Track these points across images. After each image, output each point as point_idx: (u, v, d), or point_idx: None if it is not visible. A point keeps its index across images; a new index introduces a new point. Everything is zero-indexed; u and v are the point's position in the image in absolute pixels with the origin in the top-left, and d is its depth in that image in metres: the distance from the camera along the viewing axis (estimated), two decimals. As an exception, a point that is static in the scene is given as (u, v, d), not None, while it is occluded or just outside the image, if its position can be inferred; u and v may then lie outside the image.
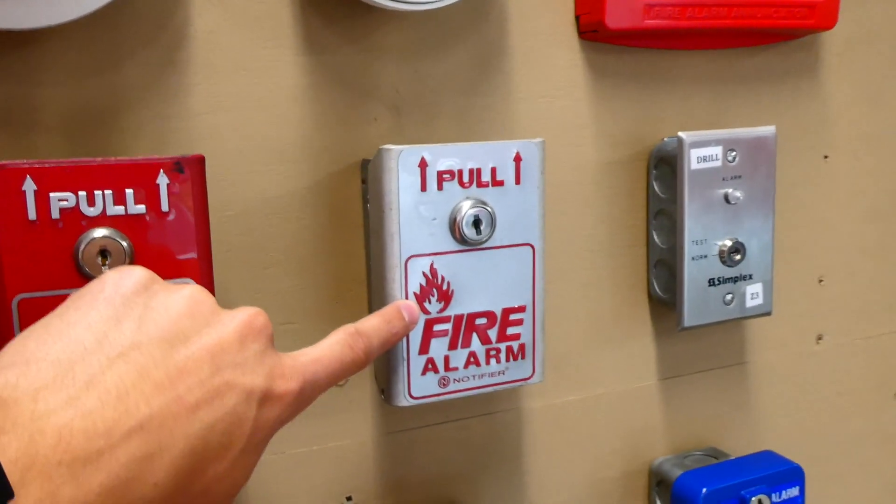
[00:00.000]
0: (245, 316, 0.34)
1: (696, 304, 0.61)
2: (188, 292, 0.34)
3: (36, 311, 0.39)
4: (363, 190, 0.55)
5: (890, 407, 0.78)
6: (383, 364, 0.50)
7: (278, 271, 0.54)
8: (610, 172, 0.63)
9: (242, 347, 0.33)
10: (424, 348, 0.49)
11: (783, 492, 0.63)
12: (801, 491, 0.63)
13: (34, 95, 0.47)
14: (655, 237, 0.64)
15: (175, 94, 0.50)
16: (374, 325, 0.42)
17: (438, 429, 0.60)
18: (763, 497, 0.61)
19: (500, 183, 0.49)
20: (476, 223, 0.48)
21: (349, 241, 0.56)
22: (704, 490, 0.60)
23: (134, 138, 0.50)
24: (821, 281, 0.72)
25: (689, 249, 0.60)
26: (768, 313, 0.63)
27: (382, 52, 0.55)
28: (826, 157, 0.70)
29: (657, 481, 0.67)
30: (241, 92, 0.52)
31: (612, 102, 0.62)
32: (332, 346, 0.38)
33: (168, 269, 0.42)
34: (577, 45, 0.60)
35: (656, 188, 0.63)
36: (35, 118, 0.48)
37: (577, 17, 0.60)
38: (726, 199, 0.60)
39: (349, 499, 0.58)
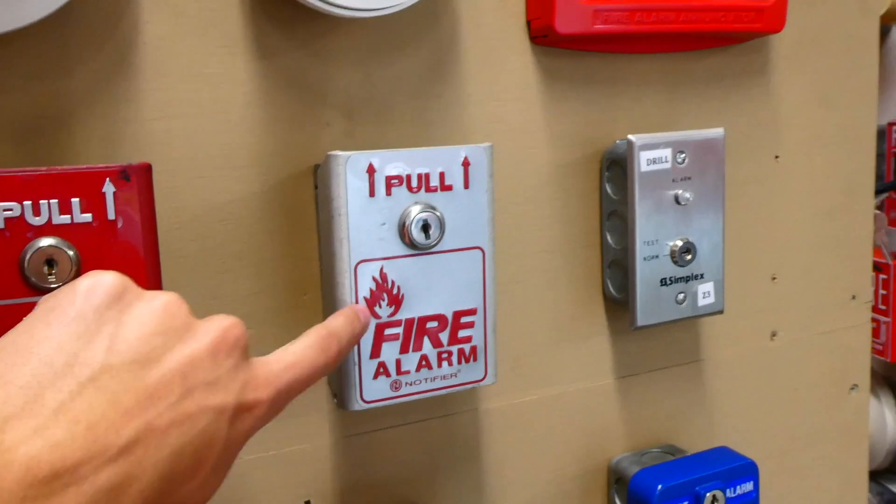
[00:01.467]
0: (219, 329, 0.34)
1: (649, 304, 0.62)
2: (161, 304, 0.33)
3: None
4: (316, 195, 0.55)
5: (846, 401, 0.79)
6: (335, 369, 0.50)
7: (233, 277, 0.54)
8: (563, 174, 0.64)
9: (215, 363, 0.33)
10: (376, 352, 0.49)
11: (737, 487, 0.64)
12: (756, 486, 0.65)
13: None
14: (609, 238, 0.65)
15: (126, 99, 0.51)
16: (341, 324, 0.42)
17: (397, 431, 0.61)
18: (717, 493, 0.62)
19: (449, 188, 0.50)
20: (425, 227, 0.49)
21: (303, 246, 0.56)
22: (660, 487, 0.62)
23: (84, 145, 0.50)
24: (774, 278, 0.73)
25: (640, 250, 0.61)
26: (720, 311, 0.65)
27: (334, 57, 0.56)
28: (777, 156, 0.72)
29: (616, 479, 0.68)
30: (192, 98, 0.52)
31: (564, 105, 0.63)
32: (306, 350, 0.38)
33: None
34: (529, 49, 0.61)
35: (609, 190, 0.64)
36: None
37: (529, 22, 0.61)
38: (676, 199, 0.61)
39: (307, 503, 0.59)
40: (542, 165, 0.63)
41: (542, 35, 0.60)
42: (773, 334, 0.74)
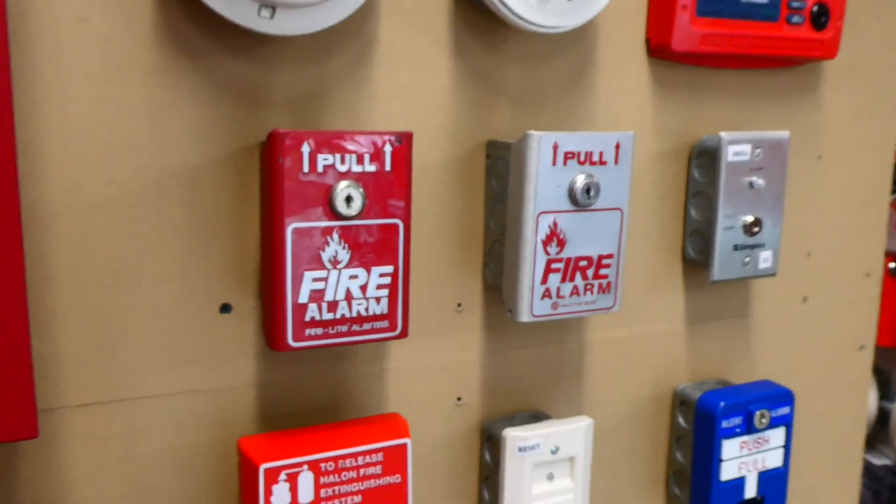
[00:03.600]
0: None
1: (724, 263, 0.81)
2: None
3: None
4: (487, 164, 0.74)
5: (855, 358, 1.00)
6: (512, 290, 0.69)
7: (426, 222, 0.73)
8: (661, 160, 0.83)
9: None
10: (544, 280, 0.69)
11: (779, 409, 0.84)
12: (791, 410, 0.85)
13: (269, 79, 0.65)
14: (692, 212, 0.84)
15: (365, 83, 0.69)
16: None
17: (525, 350, 0.80)
18: (765, 411, 0.83)
19: (605, 163, 0.69)
20: (587, 190, 0.68)
21: (473, 203, 0.75)
22: (722, 404, 0.82)
23: (334, 114, 0.68)
24: (809, 254, 0.94)
25: (721, 222, 0.80)
26: (774, 274, 0.85)
27: (508, 58, 0.74)
28: (820, 157, 0.92)
29: (679, 401, 0.88)
30: (409, 83, 0.70)
31: (666, 104, 0.82)
32: None
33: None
34: (646, 61, 0.80)
35: (696, 174, 0.84)
36: (269, 96, 0.65)
37: (648, 40, 0.80)
38: (751, 185, 0.81)
39: (459, 399, 0.77)
40: (647, 151, 0.82)
41: (658, 51, 0.79)
42: (805, 299, 0.95)
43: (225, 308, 0.65)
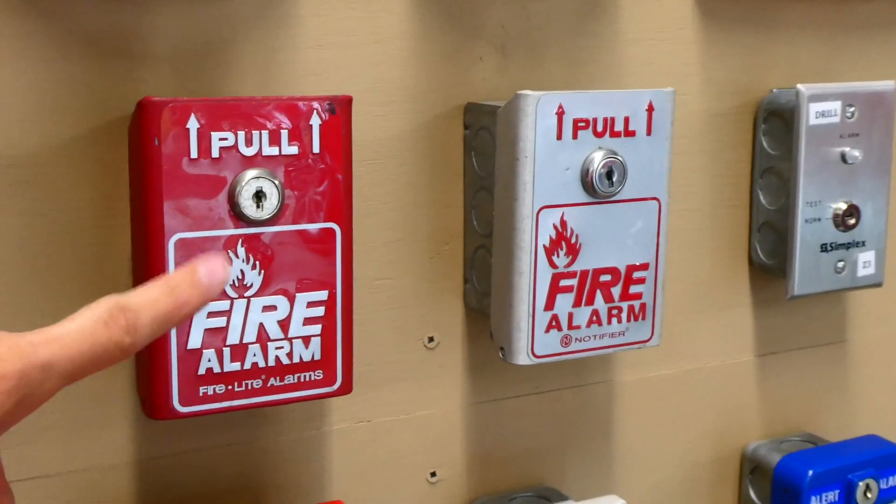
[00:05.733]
0: None
1: (807, 271, 0.78)
2: None
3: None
4: (466, 136, 0.71)
5: None
6: (503, 319, 0.66)
7: (376, 221, 0.69)
8: (714, 125, 0.80)
9: None
10: (550, 304, 0.65)
11: (891, 477, 0.81)
12: (909, 477, 0.82)
13: (144, 24, 0.62)
14: (761, 197, 0.81)
15: (282, 25, 0.65)
16: (148, 297, 0.43)
17: (528, 399, 0.77)
18: (870, 481, 0.80)
19: (632, 133, 0.65)
20: (609, 174, 0.65)
21: (448, 192, 0.72)
22: (811, 472, 0.78)
23: (239, 73, 0.64)
24: (929, 254, 0.90)
25: (802, 211, 0.77)
26: (879, 284, 0.82)
27: (491, -13, 0.71)
28: (943, 115, 0.89)
29: (751, 468, 0.84)
30: (349, 26, 0.67)
31: (719, 48, 0.79)
32: (81, 323, 0.40)
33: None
34: (690, -13, 0.77)
35: (765, 144, 0.80)
36: (144, 49, 0.62)
37: (692, -45, 0.76)
38: (843, 158, 0.78)
39: (433, 474, 0.74)
40: (694, 113, 0.79)
41: (707, -30, 0.76)
42: (927, 316, 0.92)
43: (88, 356, 0.62)
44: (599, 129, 0.65)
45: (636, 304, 0.68)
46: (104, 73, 0.61)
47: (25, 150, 0.60)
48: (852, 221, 0.79)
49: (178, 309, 0.43)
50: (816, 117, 0.77)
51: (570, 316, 0.66)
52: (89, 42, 0.61)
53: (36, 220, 0.61)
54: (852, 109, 0.78)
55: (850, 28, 0.84)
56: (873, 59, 0.85)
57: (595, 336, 0.68)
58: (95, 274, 0.62)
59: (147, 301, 0.42)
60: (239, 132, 0.57)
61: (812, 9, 0.82)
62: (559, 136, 0.64)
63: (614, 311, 0.68)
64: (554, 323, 0.66)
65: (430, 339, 0.73)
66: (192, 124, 0.55)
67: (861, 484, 0.80)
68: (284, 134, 0.58)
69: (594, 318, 0.67)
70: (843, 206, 0.79)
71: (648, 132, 0.66)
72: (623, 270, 0.67)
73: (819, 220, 0.78)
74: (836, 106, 0.77)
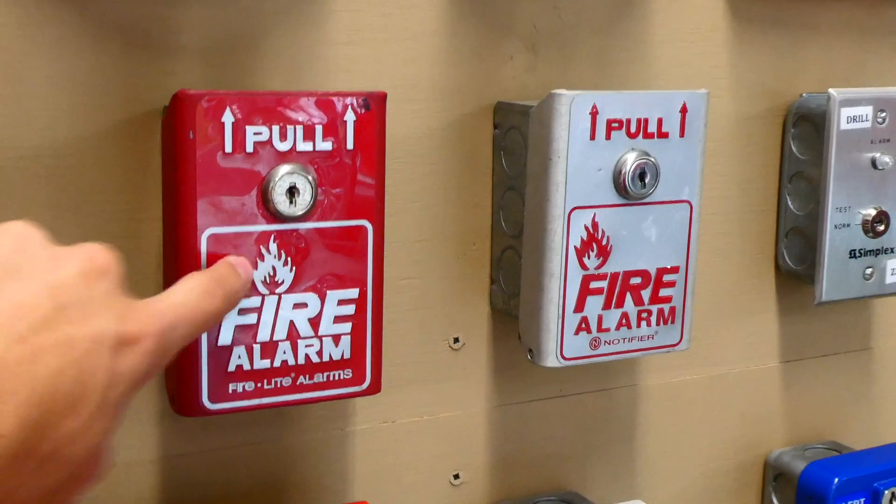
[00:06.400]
0: (85, 252, 0.41)
1: (836, 277, 0.78)
2: (13, 228, 0.41)
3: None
4: (496, 136, 0.70)
5: None
6: (532, 321, 0.65)
7: (404, 220, 0.69)
8: (744, 128, 0.80)
9: (87, 286, 0.39)
10: (580, 306, 0.65)
11: (916, 485, 0.80)
12: (936, 486, 0.81)
13: (174, 17, 0.61)
14: (790, 202, 0.81)
15: (314, 22, 0.65)
16: (225, 271, 0.52)
17: (552, 403, 0.76)
18: (896, 489, 0.79)
19: (665, 135, 0.65)
20: (642, 176, 0.64)
21: (476, 192, 0.71)
22: (836, 480, 0.78)
23: (270, 68, 0.64)
24: (956, 261, 0.90)
25: (832, 216, 0.77)
26: (908, 291, 0.81)
27: (524, -15, 0.70)
28: (970, 122, 0.88)
29: (775, 475, 0.84)
30: (380, 22, 0.67)
31: (750, 50, 0.79)
32: (189, 293, 0.46)
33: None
34: (722, -11, 0.77)
35: (794, 148, 0.80)
36: (177, 41, 0.62)
37: (725, -43, 0.76)
38: (874, 163, 0.77)
39: (457, 476, 0.74)
40: (724, 116, 0.79)
41: (740, -28, 0.75)
42: (956, 324, 0.91)
43: (113, 350, 0.62)
44: (633, 129, 0.64)
45: (666, 307, 0.68)
46: (134, 66, 0.61)
47: (55, 140, 0.60)
48: (882, 228, 0.78)
49: (241, 289, 0.53)
50: (847, 122, 0.76)
51: (600, 318, 0.66)
52: (120, 34, 0.60)
53: (64, 211, 0.61)
54: (884, 115, 0.77)
55: (882, 33, 0.83)
56: (902, 64, 0.85)
57: (624, 339, 0.67)
58: (127, 270, 0.62)
59: (225, 275, 0.51)
60: (274, 126, 0.56)
61: (844, 12, 0.82)
62: (592, 137, 0.63)
63: (644, 315, 0.67)
64: (584, 325, 0.66)
65: (456, 340, 0.73)
66: (228, 118, 0.55)
67: (887, 493, 0.79)
68: (319, 129, 0.57)
69: (624, 320, 0.67)
70: (873, 213, 0.78)
71: (682, 134, 0.66)
72: (654, 273, 0.67)
73: (848, 225, 0.78)
74: (867, 111, 0.77)
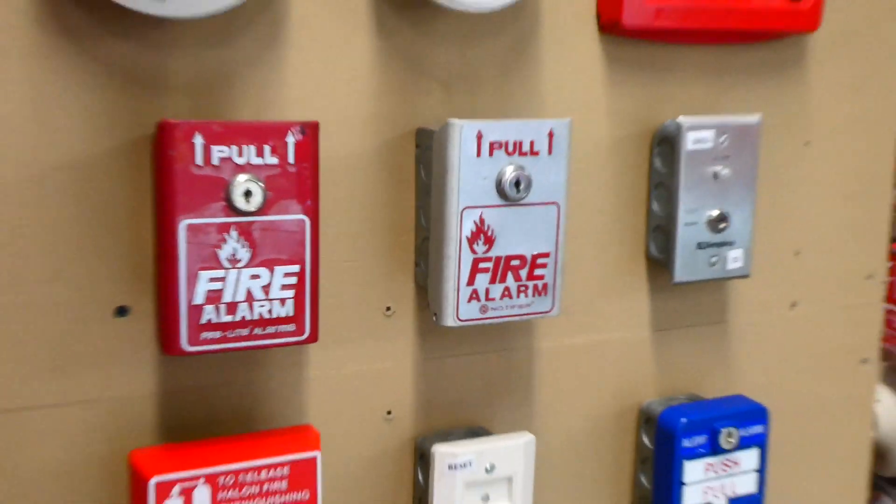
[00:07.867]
0: None
1: (687, 263, 0.92)
2: None
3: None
4: (417, 154, 0.85)
5: (856, 373, 1.10)
6: (436, 292, 0.80)
7: (348, 217, 0.83)
8: (619, 147, 0.94)
9: None
10: (471, 281, 0.79)
11: (749, 427, 0.94)
12: (765, 428, 0.95)
13: (165, 63, 0.75)
14: (655, 206, 0.95)
15: (275, 67, 0.79)
16: None
17: (464, 359, 0.90)
18: (732, 429, 0.93)
19: (536, 153, 0.79)
20: (517, 184, 0.78)
21: (402, 196, 0.85)
22: (683, 420, 0.92)
23: (241, 102, 0.78)
24: (797, 253, 1.04)
25: (682, 217, 0.91)
26: (747, 275, 0.95)
27: (438, 38, 0.85)
28: (807, 143, 1.02)
29: (645, 419, 0.98)
30: (326, 68, 0.81)
31: (623, 87, 0.93)
32: None
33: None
34: (597, 38, 0.91)
35: (657, 164, 0.94)
36: (167, 82, 0.76)
37: (598, 16, 0.90)
38: (715, 175, 0.91)
39: (389, 413, 0.88)
40: (603, 138, 0.93)
41: (610, 26, 0.90)
42: (793, 304, 1.05)
43: (121, 311, 0.76)
44: (510, 149, 0.79)
45: (539, 283, 0.82)
46: (133, 101, 0.73)
47: (76, 158, 0.71)
48: (723, 225, 0.92)
49: None
50: (694, 143, 0.90)
51: (487, 291, 0.80)
52: (125, 75, 0.73)
53: (84, 209, 0.72)
54: (724, 137, 0.91)
55: (730, 72, 0.97)
56: (752, 96, 0.99)
57: (507, 307, 0.81)
58: (129, 252, 0.75)
59: None
60: (233, 146, 0.69)
61: (698, 56, 0.96)
62: (478, 154, 0.78)
63: (522, 288, 0.82)
64: (474, 295, 0.80)
65: (388, 309, 0.86)
66: (198, 140, 0.68)
67: (724, 431, 0.93)
68: (267, 149, 0.71)
69: (506, 292, 0.81)
70: (716, 213, 0.92)
71: (549, 152, 0.80)
72: (529, 257, 0.81)
73: (696, 223, 0.92)
74: (709, 134, 0.91)
